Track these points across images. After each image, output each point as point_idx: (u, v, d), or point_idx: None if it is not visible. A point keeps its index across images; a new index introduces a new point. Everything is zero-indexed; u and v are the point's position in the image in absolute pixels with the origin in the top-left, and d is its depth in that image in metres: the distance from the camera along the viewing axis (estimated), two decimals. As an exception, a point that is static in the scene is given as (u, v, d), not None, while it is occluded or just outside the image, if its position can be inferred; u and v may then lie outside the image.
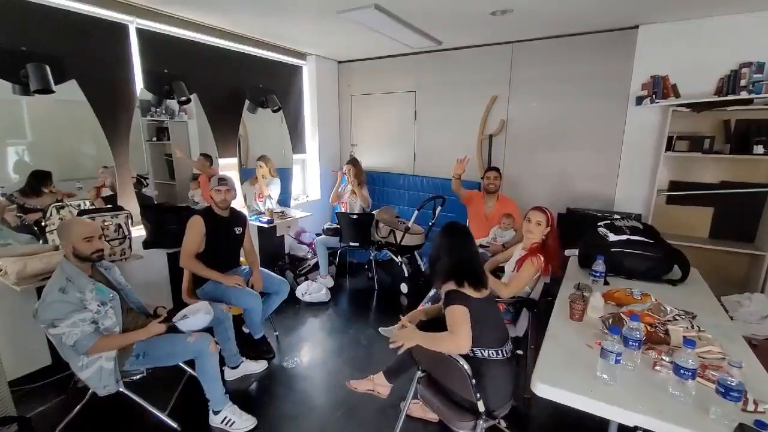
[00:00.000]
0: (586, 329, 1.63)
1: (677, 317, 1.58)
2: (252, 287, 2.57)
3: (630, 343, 1.32)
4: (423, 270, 4.06)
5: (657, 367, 1.34)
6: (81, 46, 2.54)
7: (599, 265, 2.05)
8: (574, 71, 3.44)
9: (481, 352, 1.58)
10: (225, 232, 2.58)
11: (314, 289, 3.59)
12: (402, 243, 3.64)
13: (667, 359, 1.36)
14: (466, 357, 1.62)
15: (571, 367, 1.37)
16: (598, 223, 2.46)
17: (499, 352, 1.59)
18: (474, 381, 1.46)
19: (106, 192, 2.80)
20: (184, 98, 2.95)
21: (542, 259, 2.16)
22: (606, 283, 2.10)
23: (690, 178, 3.09)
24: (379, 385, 2.07)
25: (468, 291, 1.57)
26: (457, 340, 1.51)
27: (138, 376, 1.96)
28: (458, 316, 1.53)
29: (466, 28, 3.26)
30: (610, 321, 1.58)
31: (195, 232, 2.46)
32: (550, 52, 3.50)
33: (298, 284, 3.69)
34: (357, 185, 3.94)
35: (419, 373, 1.86)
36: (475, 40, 3.69)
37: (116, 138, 2.75)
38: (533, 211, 2.29)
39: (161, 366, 1.97)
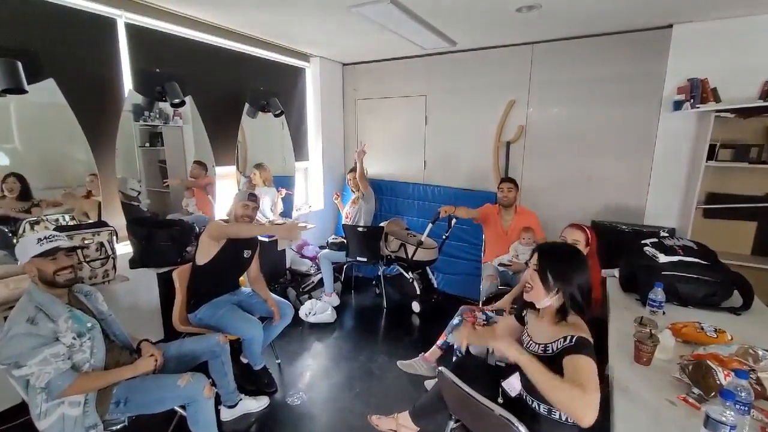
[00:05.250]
0: (658, 376, 1.36)
1: (770, 363, 1.31)
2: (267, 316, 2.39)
3: (738, 406, 1.04)
4: (435, 286, 3.79)
5: (768, 436, 1.07)
6: (60, 42, 2.27)
7: (658, 294, 1.78)
8: (599, 74, 3.20)
9: (560, 415, 1.30)
10: (235, 252, 2.33)
11: (319, 309, 3.30)
12: (414, 258, 3.37)
13: (779, 424, 1.09)
14: (532, 414, 1.35)
15: (659, 435, 1.09)
16: (643, 242, 2.20)
17: None
18: (532, 447, 1.18)
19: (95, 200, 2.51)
20: (177, 100, 2.67)
21: None
22: (662, 313, 1.83)
23: (730, 189, 2.84)
24: (403, 426, 1.81)
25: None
26: (590, 402, 1.07)
27: (118, 426, 1.66)
28: (591, 371, 1.15)
29: (486, 28, 3.02)
30: (690, 369, 1.31)
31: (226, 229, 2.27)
32: (573, 54, 3.27)
33: (301, 303, 3.41)
34: (361, 178, 3.76)
35: (452, 424, 1.57)
36: (493, 41, 3.45)
37: (101, 143, 2.46)
38: (569, 229, 2.03)
39: (146, 414, 1.67)
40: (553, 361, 1.25)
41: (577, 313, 1.33)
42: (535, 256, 1.39)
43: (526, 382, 1.37)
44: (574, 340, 1.24)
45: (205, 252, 2.23)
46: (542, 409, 1.33)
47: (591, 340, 1.24)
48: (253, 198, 2.37)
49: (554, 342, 1.30)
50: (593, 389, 1.10)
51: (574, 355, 1.20)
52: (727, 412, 0.96)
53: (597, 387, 1.11)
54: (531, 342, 1.41)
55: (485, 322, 2.21)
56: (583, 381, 1.11)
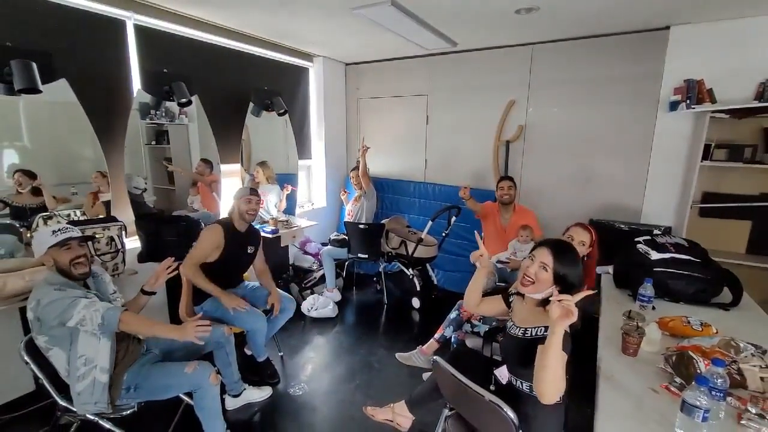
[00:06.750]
0: (643, 367, 1.42)
1: (753, 354, 1.37)
2: (272, 308, 2.39)
3: (713, 392, 1.10)
4: (435, 283, 3.86)
5: (743, 421, 1.13)
6: (73, 43, 2.34)
7: (648, 289, 1.83)
8: (598, 74, 3.24)
9: None
10: (238, 250, 2.39)
11: (321, 304, 3.37)
12: (414, 255, 3.43)
13: (754, 410, 1.15)
14: (518, 395, 1.41)
15: (640, 420, 1.15)
16: (636, 239, 2.25)
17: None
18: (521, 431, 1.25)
19: (106, 197, 2.59)
20: (184, 100, 2.75)
21: None
22: (652, 308, 1.88)
23: (725, 189, 2.89)
24: (399, 415, 1.86)
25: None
26: (559, 391, 1.19)
27: (128, 411, 1.73)
28: (563, 366, 1.21)
29: (486, 29, 3.07)
30: (674, 359, 1.37)
31: (211, 241, 2.27)
32: (573, 54, 3.31)
33: (303, 298, 3.48)
34: (363, 176, 3.84)
35: (447, 411, 1.64)
36: (493, 42, 3.50)
37: (110, 141, 2.54)
38: (577, 229, 2.04)
39: (154, 400, 1.75)
40: (531, 344, 1.32)
41: None
42: (545, 254, 1.38)
43: (514, 364, 1.44)
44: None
45: (209, 255, 2.29)
46: (525, 387, 1.39)
47: (568, 330, 1.29)
48: (255, 192, 2.41)
49: (535, 328, 1.36)
50: (560, 380, 1.19)
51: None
52: (701, 397, 1.02)
53: (561, 377, 1.20)
54: (513, 325, 1.48)
55: (481, 316, 2.27)
56: (558, 374, 1.18)
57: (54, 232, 1.62)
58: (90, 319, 1.49)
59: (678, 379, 1.31)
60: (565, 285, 1.36)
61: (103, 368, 1.59)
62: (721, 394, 1.11)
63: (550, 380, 1.16)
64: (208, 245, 2.26)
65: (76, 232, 1.66)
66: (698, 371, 1.25)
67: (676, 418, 1.10)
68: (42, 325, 1.52)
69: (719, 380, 1.11)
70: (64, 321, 1.49)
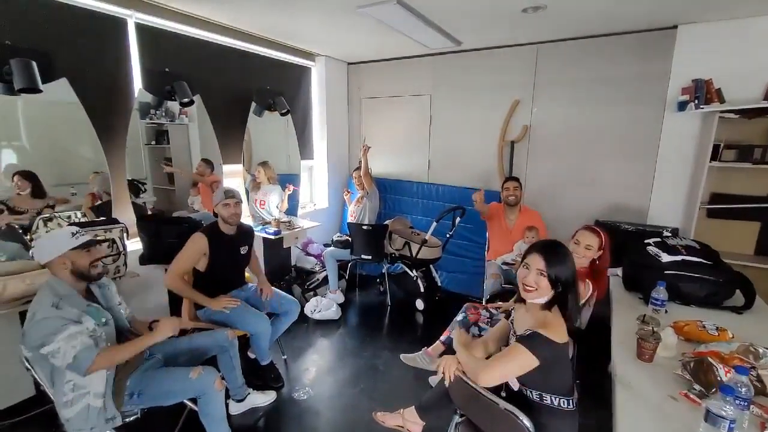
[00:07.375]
0: (660, 373, 1.39)
1: (771, 361, 1.34)
2: (260, 292, 2.37)
3: (738, 402, 1.07)
4: (439, 284, 3.83)
5: (767, 431, 1.10)
6: (73, 42, 2.30)
7: (661, 293, 1.80)
8: (604, 74, 3.21)
9: (552, 399, 1.34)
10: (230, 253, 2.33)
11: (324, 306, 3.33)
12: (418, 256, 3.40)
13: (778, 420, 1.12)
14: (530, 404, 1.38)
15: (661, 428, 1.12)
16: (646, 241, 2.22)
17: (569, 401, 1.35)
18: (535, 440, 1.22)
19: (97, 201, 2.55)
20: (186, 99, 2.71)
21: (591, 285, 1.90)
22: (665, 311, 1.85)
23: (733, 189, 2.86)
24: (409, 421, 1.83)
25: (558, 334, 1.30)
26: (490, 372, 1.31)
27: (131, 418, 1.70)
28: (517, 359, 1.28)
29: (492, 28, 3.04)
30: (692, 366, 1.34)
31: (193, 251, 2.21)
32: (578, 54, 3.28)
33: (306, 300, 3.44)
34: (365, 176, 3.79)
35: (457, 418, 1.61)
36: (498, 41, 3.47)
37: (111, 141, 2.50)
38: (584, 232, 1.99)
39: (158, 406, 1.71)
40: None
41: (564, 311, 1.36)
42: (538, 260, 1.36)
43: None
44: (528, 333, 1.31)
45: (200, 262, 2.25)
46: (534, 395, 1.37)
47: (552, 338, 1.27)
48: (231, 194, 2.29)
49: (524, 332, 1.36)
50: (496, 366, 1.32)
51: (517, 344, 1.30)
52: (727, 407, 0.99)
53: (506, 366, 1.31)
54: (513, 334, 1.48)
55: (489, 319, 2.24)
56: (497, 359, 1.33)
57: (73, 234, 1.57)
58: (63, 354, 1.40)
59: (697, 387, 1.27)
60: (559, 284, 1.35)
61: (98, 393, 1.52)
62: (746, 403, 1.08)
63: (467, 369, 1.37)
64: (190, 254, 2.21)
65: (92, 235, 1.63)
66: (719, 378, 1.22)
67: (699, 428, 1.07)
68: (26, 339, 1.45)
69: (743, 389, 1.08)
70: (45, 343, 1.40)
